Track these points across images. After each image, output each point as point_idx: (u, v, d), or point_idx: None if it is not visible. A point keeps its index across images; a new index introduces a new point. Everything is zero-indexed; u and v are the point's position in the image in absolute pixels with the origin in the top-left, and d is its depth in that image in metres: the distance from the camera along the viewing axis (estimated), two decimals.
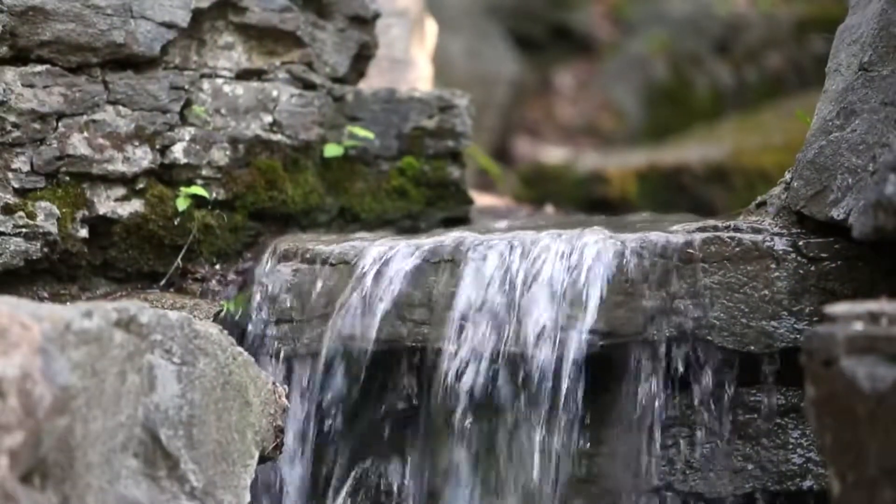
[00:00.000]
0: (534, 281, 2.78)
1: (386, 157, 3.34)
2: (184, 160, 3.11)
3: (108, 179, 3.04)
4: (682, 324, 2.75)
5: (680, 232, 2.82)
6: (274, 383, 2.53)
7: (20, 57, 2.97)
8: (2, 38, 2.94)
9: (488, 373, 2.77)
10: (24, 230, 2.93)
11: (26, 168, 2.96)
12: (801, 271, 2.77)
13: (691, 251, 2.77)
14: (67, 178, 3.00)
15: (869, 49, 2.81)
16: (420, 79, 4.38)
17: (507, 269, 2.80)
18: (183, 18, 3.09)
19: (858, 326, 2.05)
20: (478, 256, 2.82)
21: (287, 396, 2.58)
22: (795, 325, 2.75)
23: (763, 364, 2.77)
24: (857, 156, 2.76)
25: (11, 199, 2.94)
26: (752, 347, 2.75)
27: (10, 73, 2.95)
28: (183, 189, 3.09)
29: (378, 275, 2.85)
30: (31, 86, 2.96)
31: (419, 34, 4.48)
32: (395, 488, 2.87)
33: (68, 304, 2.78)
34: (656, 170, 5.77)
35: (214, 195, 3.14)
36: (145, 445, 2.30)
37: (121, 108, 3.04)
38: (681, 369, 2.77)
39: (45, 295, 3.01)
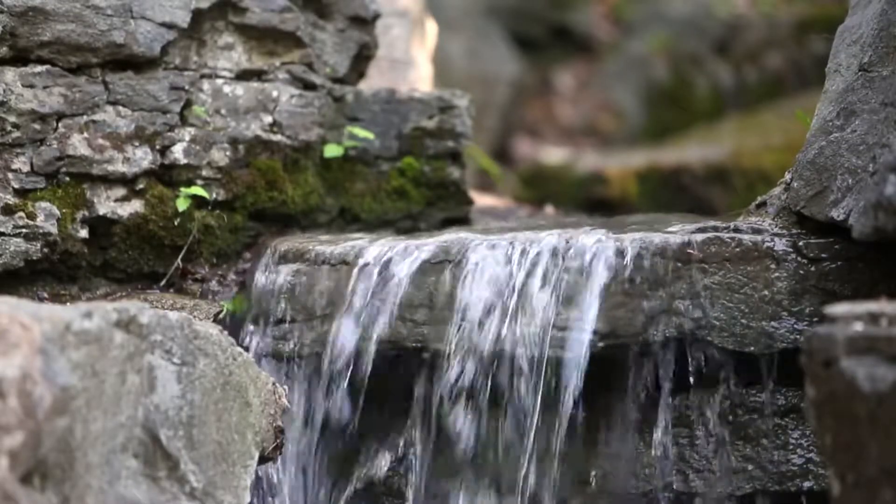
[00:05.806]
0: (534, 281, 2.78)
1: (386, 158, 3.34)
2: (184, 160, 3.11)
3: (108, 180, 3.04)
4: (682, 324, 2.75)
5: (679, 232, 2.82)
6: (274, 384, 2.53)
7: (20, 57, 2.97)
8: (2, 39, 2.94)
9: (489, 373, 2.77)
10: (24, 230, 2.93)
11: (26, 168, 2.96)
12: (801, 272, 2.77)
13: (691, 251, 2.77)
14: (67, 179, 3.00)
15: (869, 49, 2.81)
16: (420, 79, 4.38)
17: (507, 269, 2.80)
18: (183, 19, 3.09)
19: (858, 327, 2.06)
20: (478, 257, 2.82)
21: (287, 397, 2.58)
22: (795, 326, 2.75)
23: (763, 364, 2.77)
24: (857, 156, 2.76)
25: (11, 199, 2.94)
26: (752, 348, 2.75)
27: (10, 74, 2.95)
28: (183, 189, 3.09)
29: (378, 275, 2.85)
30: (31, 86, 2.96)
31: (419, 34, 4.48)
32: (398, 487, 2.87)
33: (68, 304, 2.78)
34: (656, 170, 5.77)
35: (214, 195, 3.14)
36: (145, 446, 2.30)
37: (121, 108, 3.04)
38: (680, 370, 2.77)
39: (45, 295, 3.01)
